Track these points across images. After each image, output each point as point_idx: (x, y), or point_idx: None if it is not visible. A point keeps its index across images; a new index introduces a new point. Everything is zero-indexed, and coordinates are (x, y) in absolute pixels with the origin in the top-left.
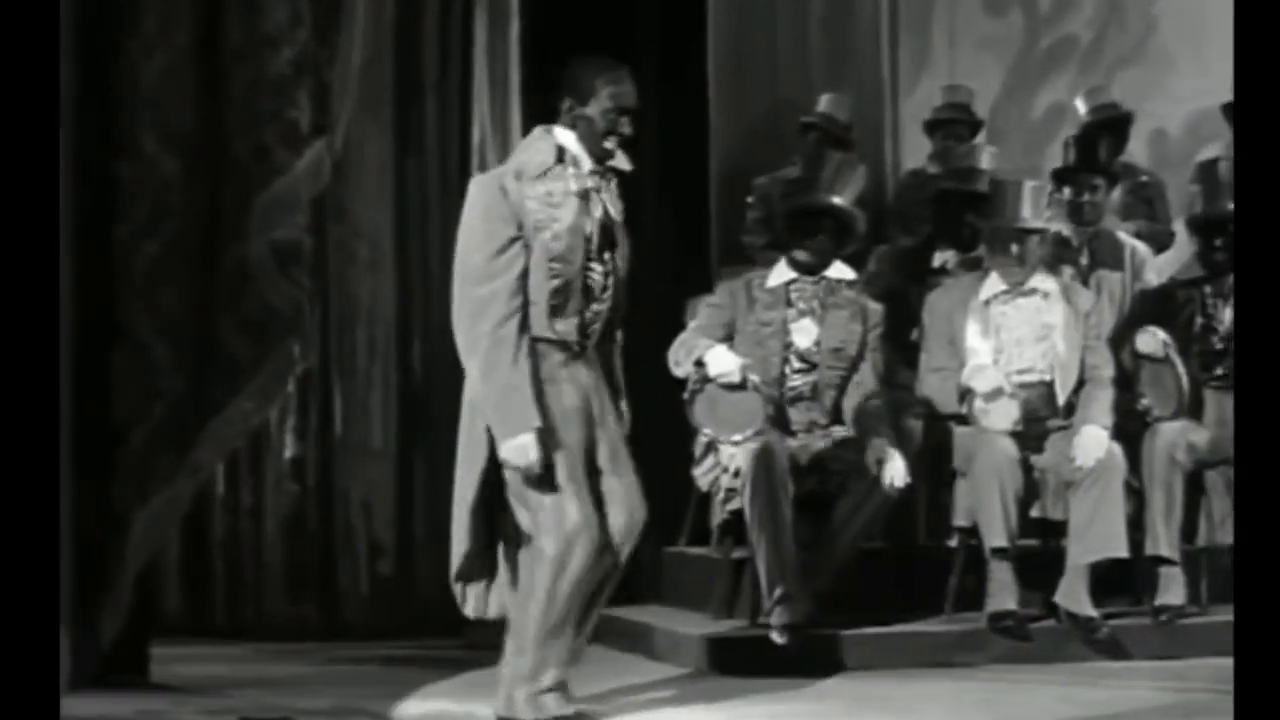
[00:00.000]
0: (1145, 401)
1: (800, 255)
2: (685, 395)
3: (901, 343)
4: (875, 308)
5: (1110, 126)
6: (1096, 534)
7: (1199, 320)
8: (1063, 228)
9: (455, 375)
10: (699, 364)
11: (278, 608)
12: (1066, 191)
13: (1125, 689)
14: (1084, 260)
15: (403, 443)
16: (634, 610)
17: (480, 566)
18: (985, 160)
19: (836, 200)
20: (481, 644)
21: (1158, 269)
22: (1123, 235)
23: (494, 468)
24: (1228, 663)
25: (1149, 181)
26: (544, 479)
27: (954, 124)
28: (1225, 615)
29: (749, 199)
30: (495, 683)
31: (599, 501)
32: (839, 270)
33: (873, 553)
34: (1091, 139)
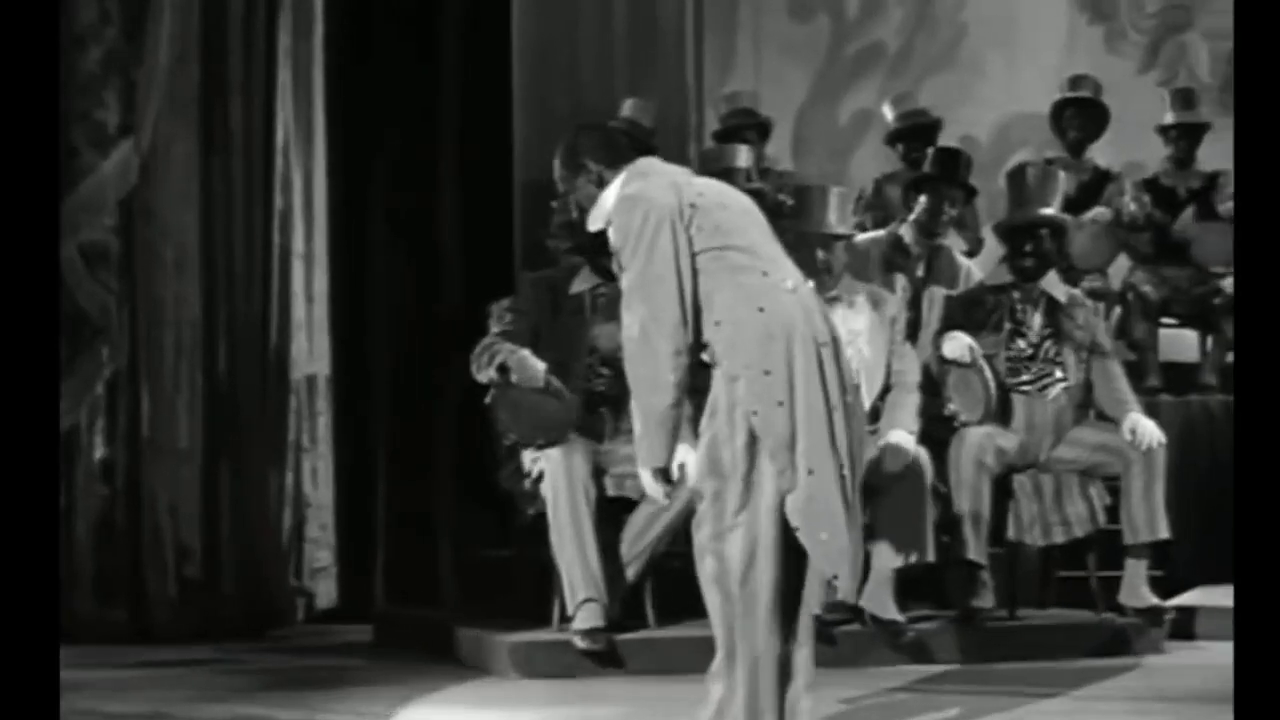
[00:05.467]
0: (952, 406)
1: (604, 261)
2: (488, 399)
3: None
4: None
5: (919, 133)
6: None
7: (1007, 325)
8: (904, 234)
9: (259, 376)
10: (502, 369)
11: (87, 610)
12: (922, 200)
13: (931, 693)
14: (920, 272)
15: (208, 444)
16: (437, 614)
17: None
18: (742, 159)
19: None
20: (285, 647)
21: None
22: (960, 256)
23: None
24: (1034, 666)
25: None
26: None
27: (742, 129)
28: (1032, 619)
29: (553, 203)
30: None
31: None
32: None
33: (676, 556)
34: (953, 152)
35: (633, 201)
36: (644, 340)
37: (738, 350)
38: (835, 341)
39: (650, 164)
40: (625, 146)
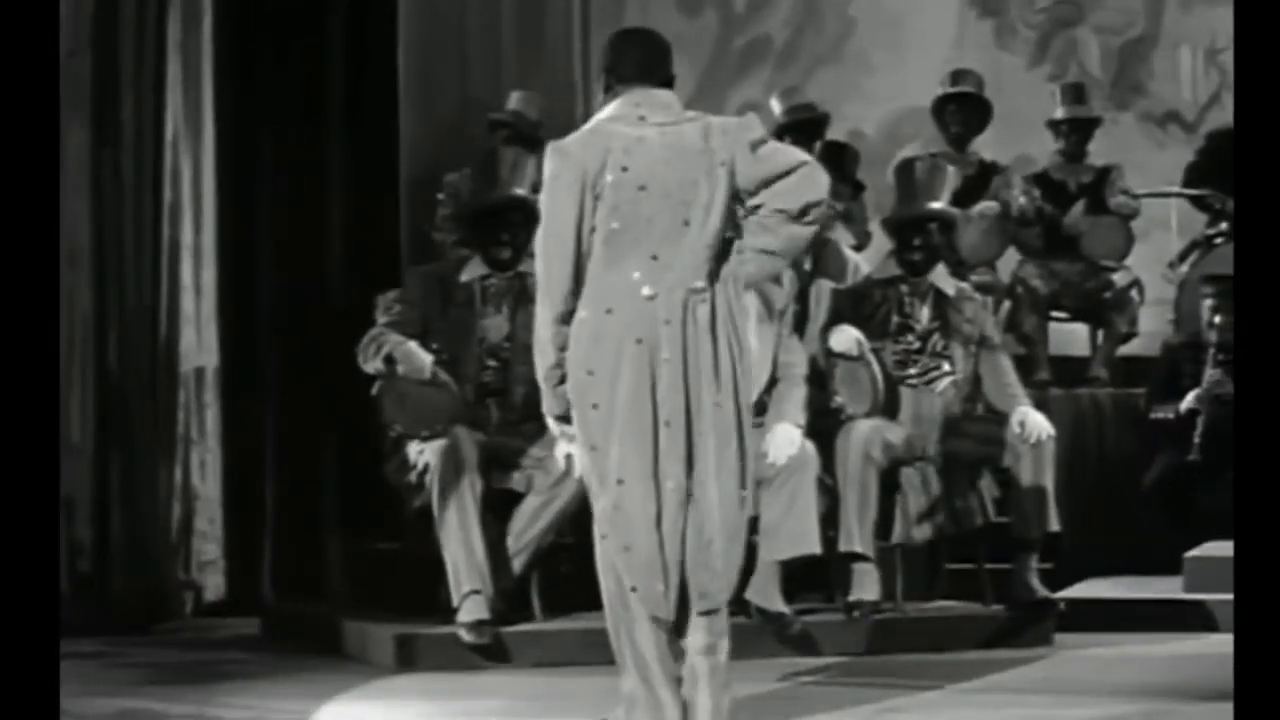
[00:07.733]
0: (839, 399)
1: (492, 251)
2: (375, 390)
3: None
4: None
5: (807, 127)
6: (789, 531)
7: (895, 319)
8: None
9: (149, 369)
10: (389, 360)
11: None
12: None
13: (818, 686)
14: (807, 266)
15: (99, 438)
16: (324, 607)
17: None
18: None
19: (518, 192)
20: (173, 641)
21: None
22: (847, 250)
23: None
24: (922, 658)
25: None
26: None
27: None
28: (920, 611)
29: (439, 195)
30: None
31: None
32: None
33: (562, 549)
34: (840, 146)
35: (557, 153)
36: (541, 297)
37: (577, 346)
38: (686, 356)
39: (625, 108)
40: (649, 64)
